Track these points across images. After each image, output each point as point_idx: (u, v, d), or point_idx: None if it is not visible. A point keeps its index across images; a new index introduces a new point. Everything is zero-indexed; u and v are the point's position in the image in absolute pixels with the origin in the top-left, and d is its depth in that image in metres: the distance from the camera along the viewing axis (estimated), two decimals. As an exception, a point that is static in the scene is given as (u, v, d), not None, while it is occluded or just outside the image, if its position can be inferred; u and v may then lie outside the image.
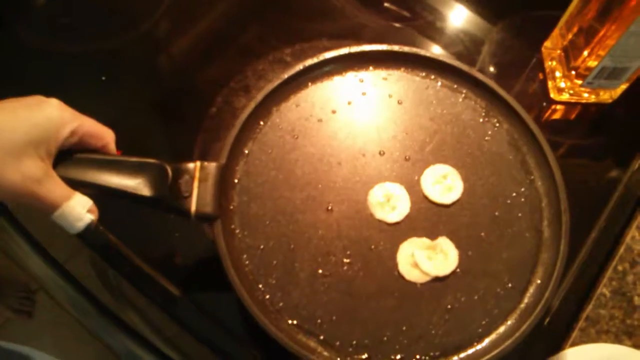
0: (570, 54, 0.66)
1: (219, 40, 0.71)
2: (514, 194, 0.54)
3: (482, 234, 0.52)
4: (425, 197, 0.54)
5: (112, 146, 0.46)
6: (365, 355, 0.47)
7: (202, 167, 0.48)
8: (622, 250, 0.59)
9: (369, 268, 0.50)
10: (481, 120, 0.58)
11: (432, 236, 0.52)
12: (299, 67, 0.57)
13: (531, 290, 0.50)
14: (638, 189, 0.64)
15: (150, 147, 0.63)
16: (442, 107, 0.58)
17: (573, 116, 0.69)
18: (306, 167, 0.54)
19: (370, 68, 0.60)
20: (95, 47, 0.69)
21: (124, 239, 0.55)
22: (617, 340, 0.55)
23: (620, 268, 0.58)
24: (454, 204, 0.53)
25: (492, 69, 0.71)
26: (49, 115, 0.40)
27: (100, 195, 0.44)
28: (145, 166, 0.45)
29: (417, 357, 0.47)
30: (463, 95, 0.59)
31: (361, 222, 0.52)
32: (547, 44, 0.71)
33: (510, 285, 0.50)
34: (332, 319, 0.48)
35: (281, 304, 0.48)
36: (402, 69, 0.60)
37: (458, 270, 0.51)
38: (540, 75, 0.70)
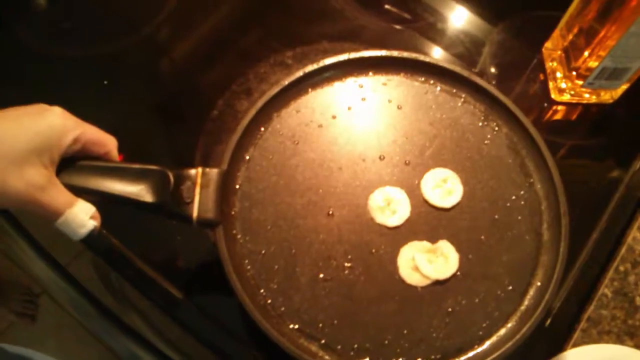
0: (570, 54, 0.66)
1: (220, 43, 0.71)
2: (514, 197, 0.54)
3: (482, 237, 0.53)
4: (426, 201, 0.54)
5: (114, 153, 0.46)
6: (366, 359, 0.48)
7: (203, 173, 0.48)
8: (623, 250, 0.59)
9: (370, 272, 0.51)
10: (480, 124, 0.58)
11: (433, 240, 0.52)
12: (299, 73, 0.57)
13: (531, 292, 0.51)
14: (639, 190, 0.64)
15: (151, 150, 0.63)
16: (441, 111, 0.58)
17: (574, 117, 0.69)
18: (307, 173, 0.55)
19: (370, 73, 0.60)
20: (96, 51, 0.69)
21: (127, 243, 0.56)
22: (619, 340, 0.55)
23: (621, 268, 0.58)
24: (454, 207, 0.54)
25: (492, 70, 0.71)
26: (52, 124, 0.40)
27: (103, 202, 0.44)
28: (147, 173, 0.46)
29: (418, 360, 0.48)
30: (462, 99, 0.59)
31: (362, 226, 0.53)
32: (548, 44, 0.71)
33: (510, 287, 0.51)
34: (334, 323, 0.49)
35: (283, 309, 0.49)
36: (402, 74, 0.60)
37: (458, 273, 0.51)
38: (541, 76, 0.71)
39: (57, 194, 0.41)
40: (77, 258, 0.59)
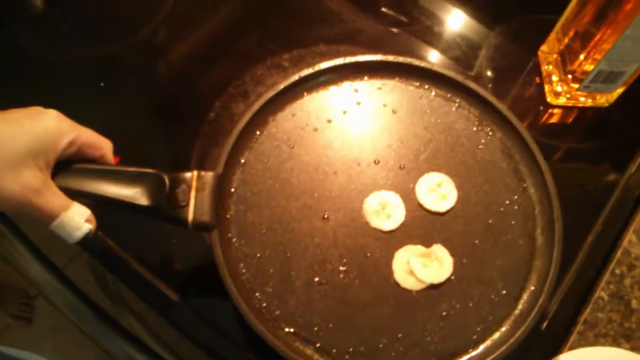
0: (566, 58, 0.66)
1: (217, 46, 0.71)
2: (507, 202, 0.55)
3: (476, 241, 0.53)
4: (420, 205, 0.54)
5: (109, 156, 0.46)
6: (361, 363, 0.48)
7: (199, 177, 0.48)
8: (619, 253, 0.59)
9: (365, 276, 0.51)
10: (474, 129, 0.58)
11: (427, 244, 0.52)
12: (295, 77, 0.58)
13: (525, 296, 0.51)
14: (635, 192, 0.64)
15: (148, 152, 0.63)
16: (436, 116, 0.59)
17: (570, 120, 0.69)
18: (302, 176, 0.55)
19: (365, 78, 0.60)
20: (93, 52, 0.70)
21: (123, 245, 0.56)
22: (615, 343, 0.55)
23: (617, 271, 0.58)
24: (448, 211, 0.54)
25: (489, 73, 0.71)
26: (48, 126, 0.40)
27: (98, 204, 0.44)
28: (142, 176, 0.46)
29: (413, 364, 0.48)
30: (456, 104, 0.60)
31: (357, 230, 0.53)
32: (544, 48, 0.71)
33: (504, 292, 0.51)
34: (329, 327, 0.49)
35: (278, 312, 0.49)
36: (397, 79, 0.60)
37: (453, 277, 0.51)
38: (537, 80, 0.71)
39: (52, 197, 0.41)
40: (73, 261, 0.59)
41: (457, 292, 0.51)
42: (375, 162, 0.56)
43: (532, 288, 0.51)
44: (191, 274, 0.57)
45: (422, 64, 0.60)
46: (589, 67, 0.63)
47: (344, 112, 0.58)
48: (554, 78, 0.68)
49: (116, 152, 0.46)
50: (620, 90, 0.67)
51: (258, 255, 0.51)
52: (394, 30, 0.74)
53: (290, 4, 0.76)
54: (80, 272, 0.59)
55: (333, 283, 0.50)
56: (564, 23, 0.67)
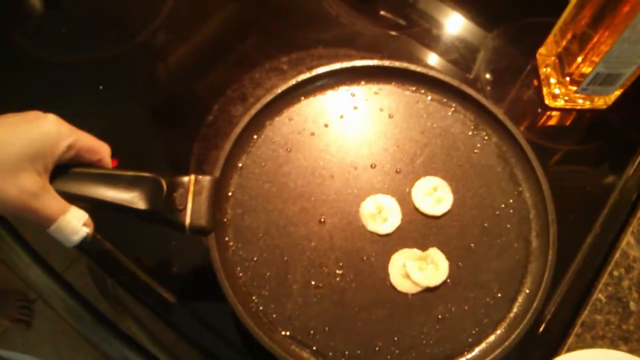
0: (564, 60, 0.66)
1: (216, 48, 0.72)
2: (503, 206, 0.55)
3: (472, 244, 0.53)
4: (416, 209, 0.54)
5: (107, 160, 0.46)
6: (357, 366, 0.48)
7: (196, 181, 0.49)
8: (617, 255, 0.59)
9: (361, 279, 0.51)
10: (470, 133, 0.59)
11: (423, 247, 0.53)
12: (292, 82, 0.58)
13: (520, 299, 0.51)
14: (633, 195, 0.64)
15: (147, 155, 0.63)
16: (432, 120, 0.59)
17: (568, 122, 0.70)
18: (299, 180, 0.55)
19: (362, 82, 0.61)
20: (92, 56, 0.70)
21: (121, 248, 0.56)
22: (613, 345, 0.55)
23: (615, 273, 0.59)
24: (444, 215, 0.54)
25: (487, 76, 0.72)
26: (46, 131, 0.41)
27: (96, 208, 0.44)
28: (140, 180, 0.46)
29: (409, 366, 0.48)
30: (452, 109, 0.60)
31: (353, 233, 0.53)
32: (542, 50, 0.72)
33: (499, 295, 0.51)
34: (325, 330, 0.49)
35: (274, 315, 0.49)
36: (393, 84, 0.61)
37: (448, 280, 0.51)
38: (535, 82, 0.71)
39: (50, 201, 0.41)
40: (72, 265, 0.59)
41: (453, 295, 0.51)
42: (371, 166, 0.56)
43: (527, 291, 0.51)
44: (189, 277, 0.57)
45: (419, 69, 0.60)
46: (586, 69, 0.63)
47: (341, 117, 0.59)
48: (552, 80, 0.69)
49: (114, 155, 0.47)
50: (618, 93, 0.68)
51: (255, 258, 0.51)
52: (393, 33, 0.75)
53: (289, 7, 0.77)
54: (79, 276, 0.60)
55: (329, 286, 0.51)
56: (561, 26, 0.67)
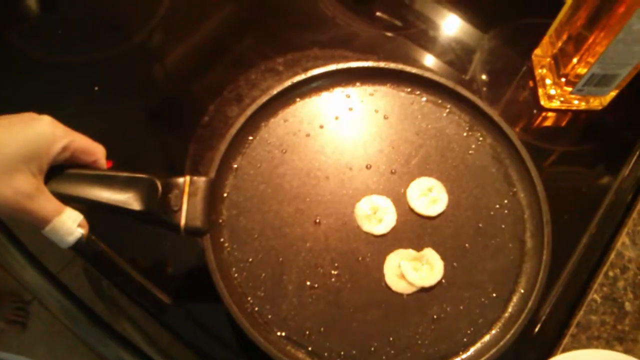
0: (560, 61, 0.67)
1: (212, 49, 0.72)
2: (497, 206, 0.55)
3: (467, 245, 0.53)
4: (411, 210, 0.55)
5: (102, 161, 0.46)
6: (352, 366, 0.48)
7: (191, 182, 0.49)
8: (612, 256, 0.60)
9: (356, 279, 0.51)
10: (465, 134, 0.59)
11: (418, 248, 0.53)
12: (287, 83, 0.58)
13: (515, 299, 0.51)
14: (628, 195, 0.65)
15: (142, 155, 0.63)
16: (427, 121, 0.59)
17: (564, 123, 0.70)
18: (294, 181, 0.55)
19: (357, 84, 0.61)
20: (88, 57, 0.70)
21: (116, 249, 0.56)
22: (608, 346, 0.55)
23: (611, 274, 0.59)
24: (439, 216, 0.55)
25: (483, 77, 0.72)
26: (41, 132, 0.41)
27: (91, 209, 0.44)
28: (135, 181, 0.46)
29: (404, 367, 0.48)
30: (447, 110, 0.60)
31: (348, 234, 0.53)
32: (538, 51, 0.72)
33: (494, 295, 0.51)
34: (320, 330, 0.49)
35: (270, 316, 0.49)
36: (388, 85, 0.61)
37: (443, 281, 0.52)
38: (531, 83, 0.71)
39: (45, 202, 0.41)
40: (68, 266, 0.59)
41: (448, 296, 0.51)
42: (366, 167, 0.57)
43: (522, 291, 0.51)
44: (184, 278, 0.57)
45: (413, 70, 0.61)
46: (582, 70, 0.64)
47: (336, 118, 0.59)
48: (548, 81, 0.69)
49: (110, 156, 0.47)
50: (613, 94, 0.68)
51: (250, 259, 0.51)
52: (389, 34, 0.75)
53: (284, 8, 0.77)
54: (74, 278, 0.60)
55: (325, 287, 0.51)
56: (557, 27, 0.68)
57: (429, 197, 0.55)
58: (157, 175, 0.47)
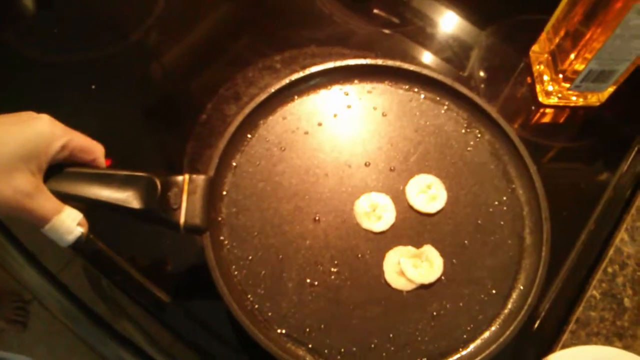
0: (557, 57, 0.67)
1: (209, 47, 0.72)
2: (496, 203, 0.55)
3: (466, 241, 0.53)
4: (410, 207, 0.55)
5: (101, 160, 0.46)
6: (353, 363, 0.48)
7: (190, 180, 0.49)
8: (611, 252, 0.60)
9: (356, 277, 0.51)
10: (463, 131, 0.59)
11: (418, 245, 0.53)
12: (285, 81, 0.58)
13: (514, 296, 0.51)
14: (627, 191, 0.65)
15: (140, 154, 0.63)
16: (425, 118, 0.59)
17: (562, 119, 0.70)
18: (293, 179, 0.55)
19: (355, 81, 0.61)
20: (85, 55, 0.70)
21: (115, 247, 0.56)
22: (608, 342, 0.55)
23: (610, 270, 0.59)
24: (438, 213, 0.55)
25: (481, 73, 0.72)
26: (40, 131, 0.41)
27: (91, 208, 0.44)
28: (134, 179, 0.46)
29: (404, 363, 0.48)
30: (445, 107, 0.60)
31: (348, 231, 0.53)
32: (535, 48, 0.72)
33: (494, 291, 0.52)
34: (320, 328, 0.49)
35: (270, 314, 0.49)
36: (386, 82, 0.61)
37: (443, 277, 0.52)
38: (529, 79, 0.72)
39: (44, 201, 0.41)
40: (68, 265, 0.59)
41: (447, 292, 0.51)
42: (365, 164, 0.57)
43: (521, 287, 0.52)
44: (183, 276, 0.57)
45: (411, 67, 0.61)
46: (579, 66, 0.64)
47: (335, 115, 0.59)
48: (545, 78, 0.69)
49: (108, 154, 0.47)
50: (611, 90, 0.68)
51: (250, 257, 0.51)
52: (386, 31, 0.75)
53: (282, 6, 0.77)
54: (74, 277, 0.60)
55: (324, 284, 0.51)
56: (554, 23, 0.68)
57: (428, 194, 0.55)
58: (156, 174, 0.47)
